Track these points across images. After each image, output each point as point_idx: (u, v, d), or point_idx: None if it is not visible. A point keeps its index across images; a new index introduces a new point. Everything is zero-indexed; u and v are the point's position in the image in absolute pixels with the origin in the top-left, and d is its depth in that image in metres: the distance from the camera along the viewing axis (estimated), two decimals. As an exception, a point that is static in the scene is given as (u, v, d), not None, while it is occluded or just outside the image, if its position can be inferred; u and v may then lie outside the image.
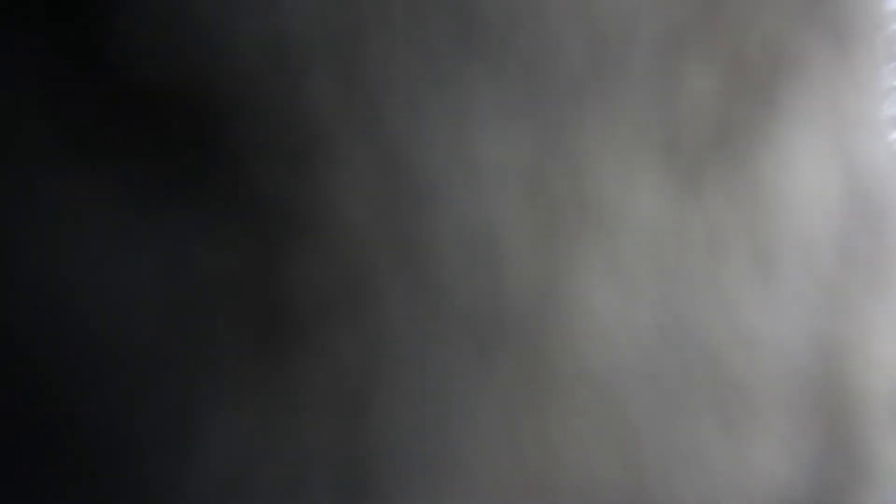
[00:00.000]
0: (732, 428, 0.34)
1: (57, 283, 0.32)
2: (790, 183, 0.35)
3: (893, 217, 0.39)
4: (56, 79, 0.32)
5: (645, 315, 0.33)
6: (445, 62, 0.31)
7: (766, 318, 0.35)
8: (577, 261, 0.32)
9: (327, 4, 0.31)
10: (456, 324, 0.32)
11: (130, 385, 0.32)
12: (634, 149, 0.33)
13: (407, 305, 0.31)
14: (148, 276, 0.32)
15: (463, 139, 0.31)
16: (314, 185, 0.31)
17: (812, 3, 0.35)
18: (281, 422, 0.32)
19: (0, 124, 0.32)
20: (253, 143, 0.31)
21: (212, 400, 0.32)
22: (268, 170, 0.31)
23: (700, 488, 0.34)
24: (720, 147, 0.34)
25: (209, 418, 0.32)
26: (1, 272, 0.32)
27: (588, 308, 0.32)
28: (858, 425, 0.38)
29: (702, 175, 0.34)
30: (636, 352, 0.33)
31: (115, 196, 0.32)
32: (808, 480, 0.36)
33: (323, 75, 0.31)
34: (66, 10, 0.31)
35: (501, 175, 0.31)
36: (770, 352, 0.35)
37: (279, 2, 0.31)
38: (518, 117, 0.31)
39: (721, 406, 0.34)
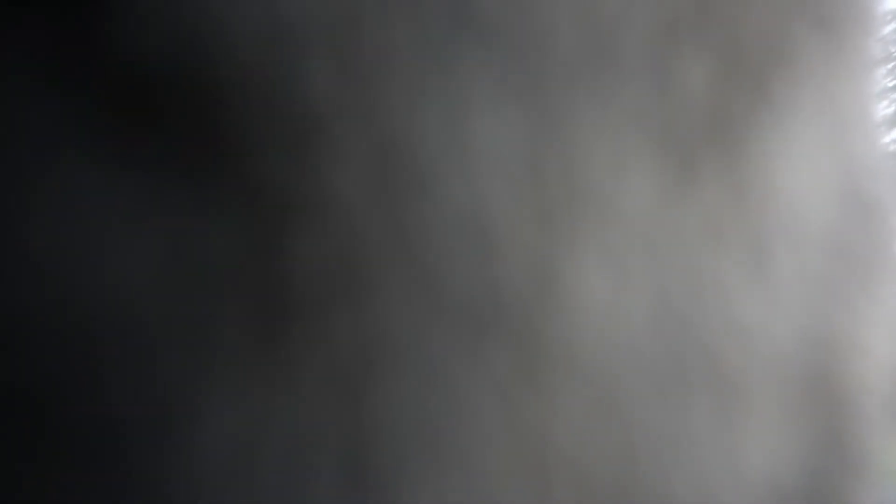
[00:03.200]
0: (725, 420, 0.34)
1: (53, 267, 0.32)
2: (784, 176, 0.36)
3: (887, 214, 0.39)
4: (56, 65, 0.32)
5: (638, 304, 0.33)
6: (440, 50, 0.31)
7: (759, 311, 0.35)
8: (570, 248, 0.32)
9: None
10: (451, 309, 0.32)
11: (127, 368, 0.32)
12: (628, 138, 0.33)
13: (403, 290, 0.32)
14: (146, 260, 0.32)
15: (458, 126, 0.31)
16: (311, 170, 0.31)
17: None
18: (278, 406, 0.32)
19: (1, 110, 0.32)
20: (251, 129, 0.31)
21: (209, 384, 0.32)
22: (265, 156, 0.31)
23: (692, 478, 0.34)
24: (714, 138, 0.34)
25: (206, 402, 0.32)
26: (1, 255, 0.32)
27: (581, 294, 0.33)
28: (852, 420, 0.38)
29: (696, 165, 0.34)
30: (629, 341, 0.33)
31: (115, 182, 0.32)
32: (800, 474, 0.36)
33: (319, 63, 0.31)
34: None
35: (496, 162, 0.31)
36: (763, 345, 0.35)
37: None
38: (512, 105, 0.31)
39: (714, 397, 0.34)
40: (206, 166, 0.31)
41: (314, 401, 0.32)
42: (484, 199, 0.32)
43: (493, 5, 0.32)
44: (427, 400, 0.32)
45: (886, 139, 0.41)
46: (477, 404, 0.32)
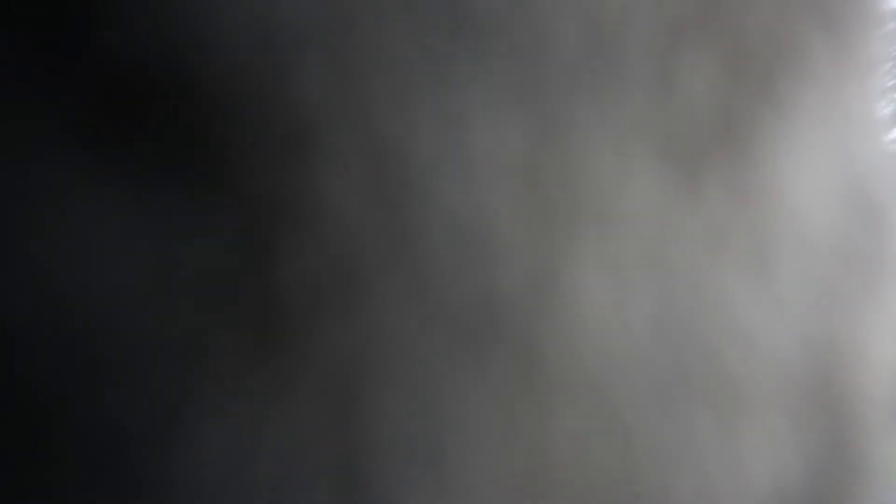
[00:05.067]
0: (727, 426, 0.34)
1: (44, 275, 0.32)
2: (788, 179, 0.35)
3: (891, 216, 0.39)
4: (46, 70, 0.32)
5: (640, 310, 0.33)
6: (436, 52, 0.31)
7: (762, 315, 0.35)
8: (570, 254, 0.32)
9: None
10: (448, 317, 0.31)
11: (119, 379, 0.32)
12: (630, 142, 0.32)
13: (398, 299, 0.31)
14: (136, 268, 0.32)
15: (454, 130, 0.31)
16: (304, 176, 0.31)
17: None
18: (272, 416, 0.32)
19: None
20: (242, 133, 0.31)
21: (202, 394, 0.32)
22: (257, 161, 0.31)
23: (694, 485, 0.34)
24: (718, 142, 0.34)
25: (199, 412, 0.32)
26: None
27: (582, 302, 0.32)
28: (854, 425, 0.37)
29: (699, 170, 0.34)
30: (631, 347, 0.33)
31: (103, 187, 0.32)
32: (803, 480, 0.36)
33: (312, 65, 0.31)
34: None
35: (494, 167, 0.31)
36: (766, 350, 0.35)
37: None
38: (511, 108, 0.31)
39: (716, 403, 0.34)
40: (197, 172, 0.31)
41: (309, 411, 0.32)
42: (482, 205, 0.31)
43: (491, 6, 0.31)
44: (423, 411, 0.32)
45: (889, 139, 0.41)
46: (474, 415, 0.32)
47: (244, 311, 0.32)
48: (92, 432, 0.32)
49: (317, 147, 0.31)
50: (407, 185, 0.31)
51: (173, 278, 0.32)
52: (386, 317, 0.32)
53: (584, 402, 0.33)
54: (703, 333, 0.34)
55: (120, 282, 0.32)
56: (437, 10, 0.31)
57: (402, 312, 0.32)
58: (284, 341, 0.32)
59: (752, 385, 0.35)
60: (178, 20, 0.31)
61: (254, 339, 0.32)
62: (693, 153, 0.34)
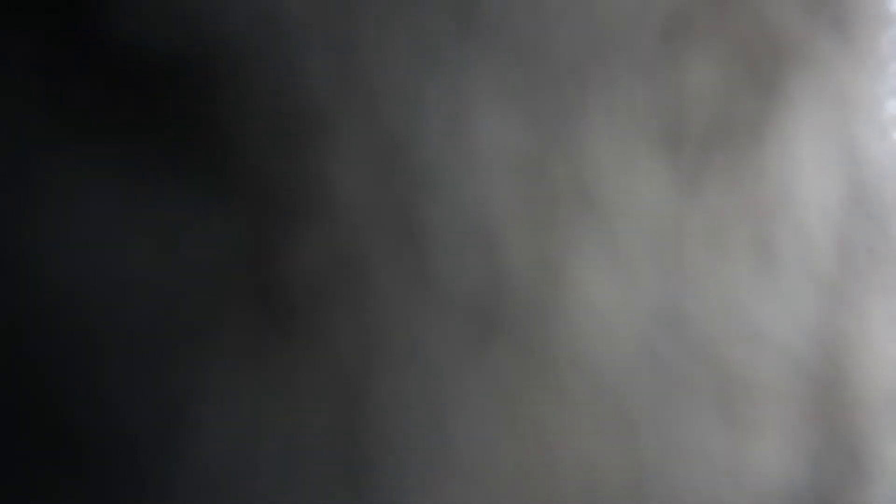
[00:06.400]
0: (732, 421, 0.34)
1: (50, 266, 0.32)
2: (792, 176, 0.35)
3: (895, 214, 0.39)
4: (53, 59, 0.32)
5: (644, 305, 0.33)
6: (442, 45, 0.31)
7: (766, 311, 0.35)
8: (575, 249, 0.32)
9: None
10: (452, 309, 0.32)
11: (124, 371, 0.32)
12: (635, 137, 0.33)
13: (402, 289, 0.31)
14: (141, 259, 0.32)
15: (460, 123, 0.31)
16: (310, 167, 0.31)
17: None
18: (276, 407, 0.32)
19: None
20: (249, 125, 0.31)
21: (206, 386, 0.32)
22: (264, 152, 0.31)
23: (699, 480, 0.34)
24: (723, 138, 0.34)
25: (204, 404, 0.32)
26: None
27: (586, 297, 0.32)
28: (859, 421, 0.38)
29: (704, 165, 0.34)
30: (635, 342, 0.33)
31: (111, 178, 0.32)
32: (807, 475, 0.36)
33: (319, 58, 0.31)
34: None
35: (499, 160, 0.31)
36: (770, 346, 0.35)
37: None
38: (516, 102, 0.31)
39: (720, 399, 0.34)
40: (204, 166, 0.31)
41: (315, 404, 0.32)
42: (486, 197, 0.32)
43: (497, 2, 0.31)
44: (429, 403, 0.32)
45: (894, 138, 0.41)
46: (478, 409, 0.32)
47: (249, 302, 0.32)
48: (96, 426, 0.32)
49: (323, 139, 0.31)
50: (413, 178, 0.31)
51: (178, 269, 0.32)
52: (390, 308, 0.32)
53: (588, 397, 0.33)
54: (707, 329, 0.34)
55: (124, 276, 0.32)
56: (443, 6, 0.31)
57: (409, 306, 0.32)
58: (289, 332, 0.32)
59: (756, 381, 0.35)
60: (187, 15, 0.31)
61: (258, 330, 0.32)
62: (698, 150, 0.34)
